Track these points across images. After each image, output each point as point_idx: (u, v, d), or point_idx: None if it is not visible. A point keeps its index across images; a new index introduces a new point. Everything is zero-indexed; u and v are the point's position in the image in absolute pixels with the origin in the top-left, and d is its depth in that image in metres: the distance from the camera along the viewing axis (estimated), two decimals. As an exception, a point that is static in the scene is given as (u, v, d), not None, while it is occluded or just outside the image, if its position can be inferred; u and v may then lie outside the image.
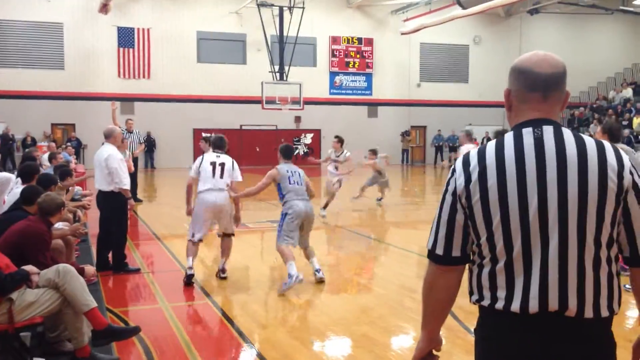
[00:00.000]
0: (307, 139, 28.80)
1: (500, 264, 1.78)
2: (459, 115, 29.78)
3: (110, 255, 7.16)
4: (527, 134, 1.79)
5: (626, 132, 24.15)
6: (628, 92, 28.21)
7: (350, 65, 29.35)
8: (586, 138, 1.78)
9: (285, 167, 6.74)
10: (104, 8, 23.45)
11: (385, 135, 28.52)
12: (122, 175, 6.92)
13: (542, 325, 1.74)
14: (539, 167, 1.73)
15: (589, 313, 1.72)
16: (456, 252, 1.87)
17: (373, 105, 29.70)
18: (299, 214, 6.45)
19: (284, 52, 24.46)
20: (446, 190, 1.87)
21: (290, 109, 24.97)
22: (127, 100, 25.67)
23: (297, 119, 28.26)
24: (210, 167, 6.72)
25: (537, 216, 1.72)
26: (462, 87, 31.03)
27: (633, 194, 1.75)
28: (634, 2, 28.11)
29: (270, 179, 6.69)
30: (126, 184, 6.98)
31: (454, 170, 1.87)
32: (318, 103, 27.79)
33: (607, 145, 1.78)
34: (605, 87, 30.79)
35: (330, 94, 29.12)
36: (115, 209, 7.02)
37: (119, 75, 26.15)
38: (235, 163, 6.94)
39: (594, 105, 28.77)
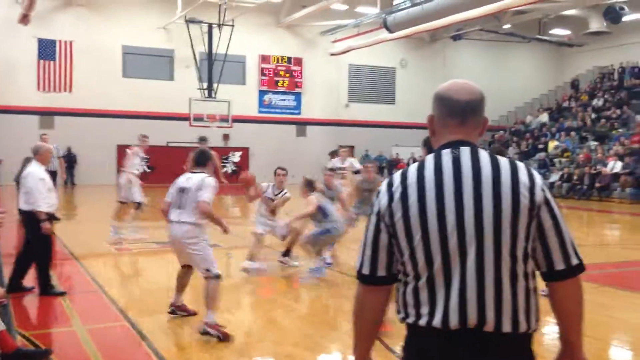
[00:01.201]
0: (236, 157, 28.55)
1: (423, 280, 1.81)
2: (386, 136, 30.33)
3: (36, 276, 6.77)
4: (446, 154, 1.86)
5: (542, 155, 25.32)
6: (544, 117, 29.64)
7: (280, 84, 29.42)
8: (500, 158, 1.85)
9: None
10: (25, 19, 22.52)
11: (313, 154, 28.67)
12: (38, 196, 6.51)
13: (463, 340, 1.76)
14: (456, 184, 1.80)
15: (507, 327, 1.75)
16: (381, 271, 1.90)
17: (302, 125, 29.84)
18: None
19: (213, 69, 24.25)
20: (372, 212, 1.93)
21: (218, 127, 24.72)
22: (47, 114, 24.69)
23: (226, 137, 27.99)
24: (176, 193, 5.65)
25: (455, 231, 1.77)
26: (389, 109, 31.68)
27: (545, 209, 1.81)
28: (550, 32, 29.68)
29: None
30: (40, 206, 6.55)
31: (378, 192, 1.92)
32: (247, 121, 27.66)
33: (520, 164, 1.86)
34: (523, 111, 32.20)
35: (259, 112, 29.06)
36: (36, 229, 6.61)
37: (38, 89, 25.14)
38: (205, 180, 5.58)
39: (513, 129, 30.01)
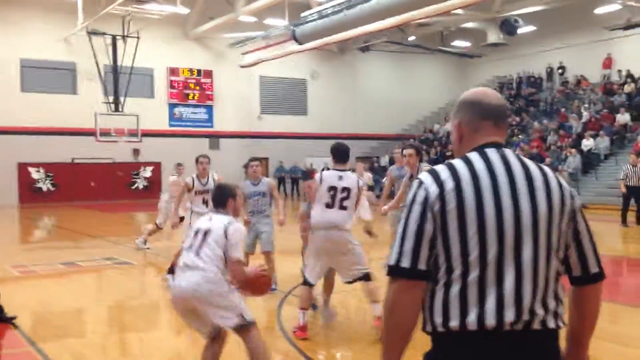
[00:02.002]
0: (147, 172, 27.80)
1: (472, 276, 1.75)
2: (299, 147, 30.50)
3: None
4: (492, 152, 1.88)
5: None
6: (451, 125, 30.79)
7: (190, 97, 28.97)
8: (536, 163, 1.93)
9: None
10: None
11: (228, 167, 28.34)
12: None
13: (511, 339, 1.76)
14: (510, 180, 1.81)
15: (551, 324, 1.80)
16: (422, 265, 1.79)
17: (214, 137, 29.47)
18: None
19: (119, 82, 23.52)
20: (413, 201, 1.83)
21: (127, 141, 23.97)
22: (-62, 132, 23.10)
23: (136, 152, 27.19)
24: (192, 234, 4.17)
25: (512, 226, 1.77)
26: (302, 120, 31.89)
27: (580, 215, 1.91)
28: (452, 44, 30.96)
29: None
30: None
31: (421, 182, 1.84)
32: (157, 135, 26.99)
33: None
34: (431, 120, 33.34)
35: (170, 125, 28.44)
36: None
37: None
38: (230, 226, 4.04)
39: (422, 137, 31.00)
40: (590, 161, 21.67)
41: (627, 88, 24.80)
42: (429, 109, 33.72)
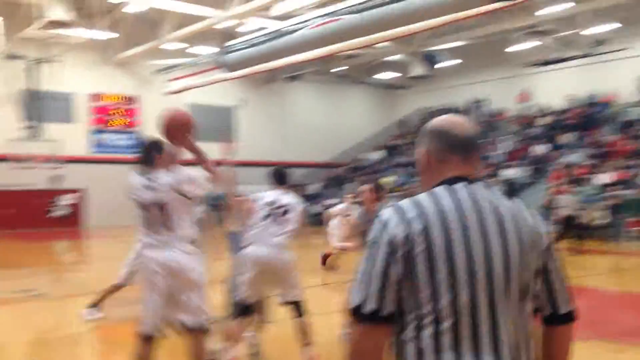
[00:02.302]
0: (69, 199, 26.79)
1: (445, 323, 1.66)
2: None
3: None
4: (460, 188, 1.78)
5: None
6: (378, 154, 31.49)
7: (114, 122, 28.30)
8: (506, 198, 1.82)
9: None
10: None
11: (153, 195, 27.79)
12: None
13: None
14: (480, 219, 1.72)
15: None
16: (388, 309, 1.70)
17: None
18: None
19: (37, 107, 22.70)
20: (376, 241, 1.72)
21: (46, 168, 23.08)
22: None
23: (56, 179, 26.20)
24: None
25: (484, 270, 1.68)
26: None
27: (551, 252, 1.81)
28: (378, 75, 31.79)
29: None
30: None
31: (386, 221, 1.73)
32: (79, 162, 26.13)
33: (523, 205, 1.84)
34: (359, 149, 33.92)
35: (94, 152, 27.63)
36: None
37: None
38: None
39: (351, 166, 31.47)
40: (510, 190, 22.62)
41: (544, 120, 26.19)
42: (356, 138, 34.32)
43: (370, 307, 1.69)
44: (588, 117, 24.91)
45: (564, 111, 26.16)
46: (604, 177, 20.11)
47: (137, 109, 28.97)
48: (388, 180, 27.40)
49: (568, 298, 1.85)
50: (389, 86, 33.35)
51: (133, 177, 4.44)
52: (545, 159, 23.69)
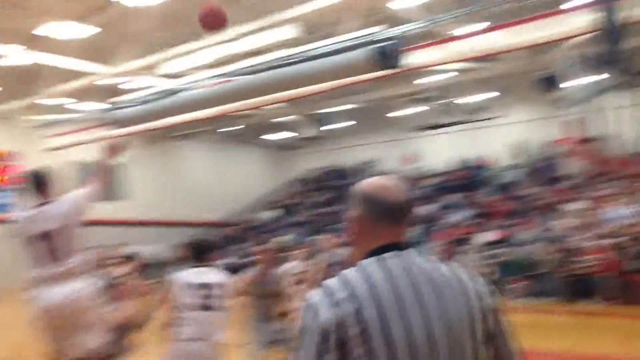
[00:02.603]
0: None
1: None
2: (122, 234, 28.91)
3: None
4: (391, 259, 1.69)
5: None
6: (272, 213, 31.39)
7: (-10, 180, 26.47)
8: (440, 262, 1.75)
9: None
10: None
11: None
12: None
13: None
14: (415, 291, 1.63)
15: None
16: None
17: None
18: None
19: None
20: (306, 327, 1.62)
21: None
22: None
23: None
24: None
25: (426, 346, 1.59)
26: (123, 206, 30.49)
27: (493, 315, 1.74)
28: (268, 136, 31.97)
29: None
30: None
31: (316, 306, 1.62)
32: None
33: (462, 269, 1.76)
34: (253, 208, 33.67)
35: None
36: None
37: None
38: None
39: (245, 226, 31.08)
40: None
41: (429, 182, 27.26)
42: (249, 197, 34.12)
43: None
44: (469, 179, 26.23)
45: (447, 173, 27.43)
46: (487, 236, 21.05)
47: (19, 165, 27.33)
48: (283, 239, 27.25)
49: None
50: (281, 146, 33.64)
51: (16, 213, 4.28)
52: (431, 219, 24.54)
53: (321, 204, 30.09)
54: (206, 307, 4.60)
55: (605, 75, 8.99)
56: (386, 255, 1.72)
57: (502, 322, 1.79)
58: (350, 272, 1.70)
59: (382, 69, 15.42)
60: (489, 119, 24.85)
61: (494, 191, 24.75)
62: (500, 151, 26.15)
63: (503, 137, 25.88)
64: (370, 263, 1.71)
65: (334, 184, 31.59)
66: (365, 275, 1.67)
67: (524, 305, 17.13)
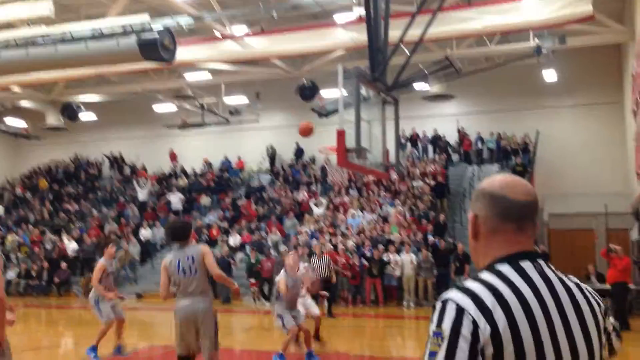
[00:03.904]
0: None
1: None
2: None
3: None
4: (530, 268, 1.54)
5: (-2, 249, 23.43)
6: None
7: None
8: (567, 276, 1.64)
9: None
10: None
11: None
12: None
13: None
14: (560, 312, 1.52)
15: None
16: None
17: None
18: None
19: None
20: (456, 336, 1.42)
21: None
22: None
23: None
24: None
25: None
26: None
27: (606, 333, 1.70)
28: (7, 122, 28.29)
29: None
30: None
31: (462, 309, 1.43)
32: None
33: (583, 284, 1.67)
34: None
35: None
36: None
37: None
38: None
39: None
40: (147, 250, 22.27)
41: (181, 182, 26.65)
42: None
43: None
44: (223, 181, 26.32)
45: (202, 174, 27.15)
46: (236, 239, 21.36)
47: None
48: (10, 239, 24.12)
49: None
50: (17, 135, 29.64)
51: None
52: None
53: (60, 199, 27.47)
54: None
55: (363, 89, 9.74)
56: (524, 265, 1.56)
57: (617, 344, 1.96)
58: (490, 278, 1.52)
59: (147, 60, 14.74)
60: (243, 122, 25.23)
61: (245, 194, 25.10)
62: (254, 154, 26.63)
63: (257, 141, 26.36)
64: (507, 268, 1.55)
65: (79, 178, 29.11)
66: (507, 281, 1.52)
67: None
